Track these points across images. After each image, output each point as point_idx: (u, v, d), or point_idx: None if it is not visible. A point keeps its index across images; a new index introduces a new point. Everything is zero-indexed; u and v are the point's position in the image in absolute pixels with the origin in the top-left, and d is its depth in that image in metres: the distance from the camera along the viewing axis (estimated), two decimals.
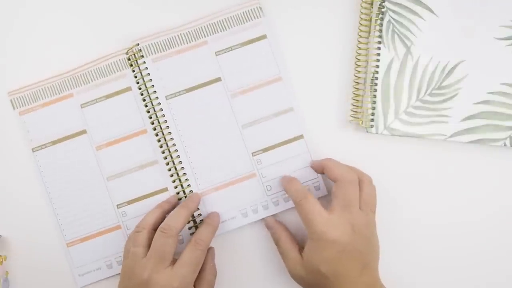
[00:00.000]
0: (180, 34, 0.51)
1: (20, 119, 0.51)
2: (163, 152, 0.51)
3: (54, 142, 0.51)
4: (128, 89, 0.51)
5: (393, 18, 0.50)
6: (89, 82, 0.51)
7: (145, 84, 0.51)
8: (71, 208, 0.51)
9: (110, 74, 0.51)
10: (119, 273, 0.50)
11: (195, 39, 0.51)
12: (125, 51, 0.51)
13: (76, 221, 0.51)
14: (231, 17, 0.51)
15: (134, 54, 0.51)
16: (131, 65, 0.51)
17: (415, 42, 0.50)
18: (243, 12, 0.51)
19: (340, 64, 0.52)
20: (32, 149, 0.51)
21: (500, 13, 0.50)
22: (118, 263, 0.51)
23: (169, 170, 0.51)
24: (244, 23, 0.51)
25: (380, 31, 0.50)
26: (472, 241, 0.52)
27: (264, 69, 0.51)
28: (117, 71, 0.51)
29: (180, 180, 0.51)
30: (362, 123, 0.51)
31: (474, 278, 0.51)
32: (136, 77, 0.51)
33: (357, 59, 0.51)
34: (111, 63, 0.51)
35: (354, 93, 0.51)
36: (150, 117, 0.51)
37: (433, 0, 0.50)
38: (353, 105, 0.51)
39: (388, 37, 0.50)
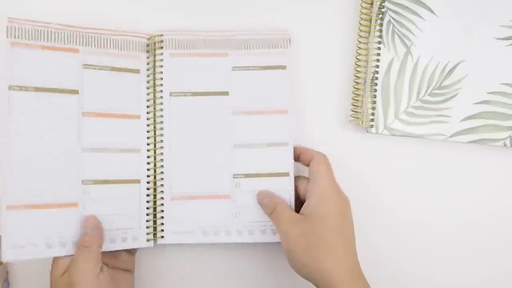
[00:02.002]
0: (206, 39, 0.51)
1: (10, 50, 0.45)
2: (148, 144, 0.50)
3: (37, 89, 0.46)
4: (137, 71, 0.50)
5: (393, 18, 0.50)
6: (101, 48, 0.48)
7: (154, 74, 0.50)
8: (27, 167, 0.45)
9: (124, 50, 0.49)
10: (57, 256, 0.44)
11: (218, 48, 0.51)
12: (148, 36, 0.51)
13: (27, 184, 0.44)
14: (259, 39, 0.51)
15: (155, 43, 0.50)
16: (148, 51, 0.50)
17: (415, 42, 0.50)
18: (272, 38, 0.51)
19: (340, 64, 0.52)
20: (9, 86, 0.45)
21: (500, 13, 0.50)
22: (61, 244, 0.44)
23: (148, 163, 0.49)
24: (269, 48, 0.50)
25: (380, 31, 0.50)
26: (472, 241, 0.52)
27: (273, 98, 0.50)
28: (133, 50, 0.50)
29: (155, 177, 0.49)
30: (362, 123, 0.51)
31: (474, 277, 0.52)
32: (148, 64, 0.50)
33: (357, 59, 0.51)
34: (130, 40, 0.50)
35: (354, 93, 0.51)
36: (148, 106, 0.50)
37: (433, 0, 0.50)
38: (353, 105, 0.51)
39: (388, 37, 0.50)
